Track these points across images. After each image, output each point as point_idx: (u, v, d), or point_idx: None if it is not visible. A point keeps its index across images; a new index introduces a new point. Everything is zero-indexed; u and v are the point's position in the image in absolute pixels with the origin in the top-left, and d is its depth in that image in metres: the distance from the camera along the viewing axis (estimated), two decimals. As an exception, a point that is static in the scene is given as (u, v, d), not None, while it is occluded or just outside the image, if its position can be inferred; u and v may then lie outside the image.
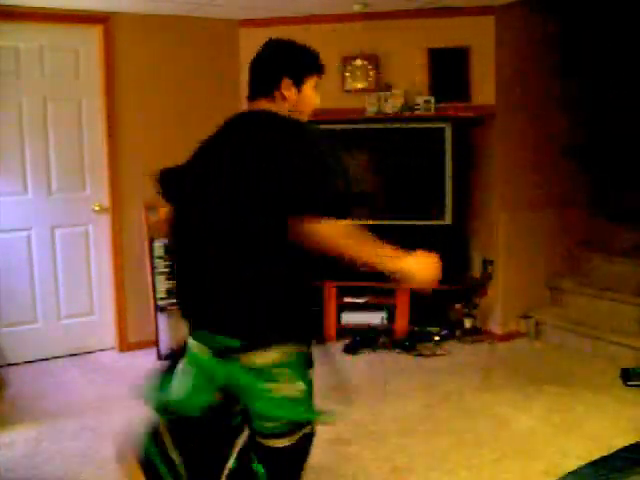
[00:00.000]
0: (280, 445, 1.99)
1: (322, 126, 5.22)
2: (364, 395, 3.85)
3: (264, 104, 2.08)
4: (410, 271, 2.06)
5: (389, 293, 4.80)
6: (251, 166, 1.90)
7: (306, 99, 2.12)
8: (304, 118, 2.12)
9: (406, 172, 4.84)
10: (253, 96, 2.11)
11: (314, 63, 2.15)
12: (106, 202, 4.65)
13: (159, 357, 4.53)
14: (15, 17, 4.24)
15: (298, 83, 2.10)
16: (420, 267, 2.14)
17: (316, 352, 2.11)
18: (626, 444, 3.00)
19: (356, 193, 2.00)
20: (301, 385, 1.98)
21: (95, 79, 4.56)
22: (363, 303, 4.87)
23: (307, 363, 2.05)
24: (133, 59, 4.60)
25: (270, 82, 2.09)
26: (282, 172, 1.85)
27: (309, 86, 2.12)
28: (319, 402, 2.07)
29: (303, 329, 2.02)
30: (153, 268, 4.62)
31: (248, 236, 1.88)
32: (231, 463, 2.19)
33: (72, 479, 2.95)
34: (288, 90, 2.08)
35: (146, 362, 4.46)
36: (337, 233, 1.89)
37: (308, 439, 2.05)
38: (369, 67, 4.83)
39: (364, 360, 4.50)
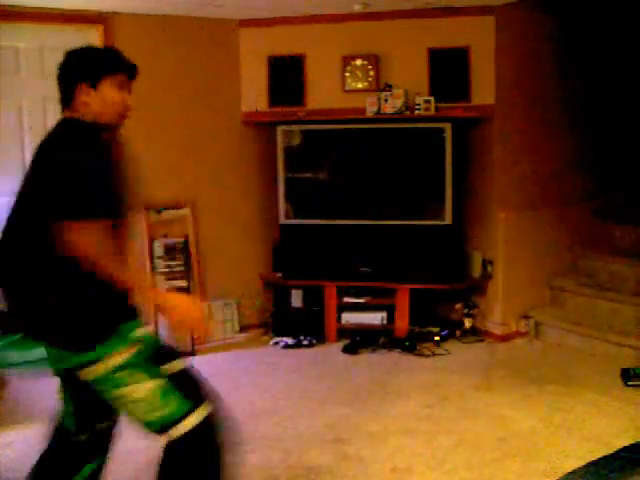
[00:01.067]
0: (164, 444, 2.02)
1: (322, 126, 5.21)
2: (364, 395, 3.85)
3: (67, 114, 2.27)
4: (172, 306, 2.01)
5: (389, 293, 4.80)
6: (31, 170, 2.21)
7: (106, 100, 2.17)
8: (110, 119, 2.19)
9: (406, 172, 4.85)
10: (62, 109, 2.29)
11: (109, 62, 2.21)
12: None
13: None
14: (15, 17, 4.24)
15: (94, 85, 2.17)
16: (183, 305, 2.03)
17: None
18: (626, 444, 3.00)
19: (99, 194, 1.97)
20: (149, 384, 1.99)
21: (95, 79, 4.56)
22: (363, 303, 4.87)
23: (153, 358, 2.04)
24: (133, 59, 4.58)
25: (68, 92, 2.26)
26: (43, 175, 2.11)
27: (108, 86, 2.17)
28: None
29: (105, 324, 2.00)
30: (153, 268, 4.62)
31: (28, 238, 2.04)
32: None
33: (72, 479, 2.95)
34: (87, 95, 2.19)
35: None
36: (89, 244, 1.90)
37: (198, 432, 2.04)
38: (369, 67, 4.83)
39: (364, 360, 4.50)
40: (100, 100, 2.15)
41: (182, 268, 4.69)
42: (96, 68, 2.16)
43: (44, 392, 3.98)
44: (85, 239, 1.88)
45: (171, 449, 2.02)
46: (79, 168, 1.98)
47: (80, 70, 2.19)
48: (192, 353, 4.63)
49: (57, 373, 2.32)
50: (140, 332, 2.06)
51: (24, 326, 2.11)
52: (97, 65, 2.17)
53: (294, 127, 4.90)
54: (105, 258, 1.92)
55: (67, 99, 2.23)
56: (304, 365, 4.41)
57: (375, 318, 4.83)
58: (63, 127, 2.23)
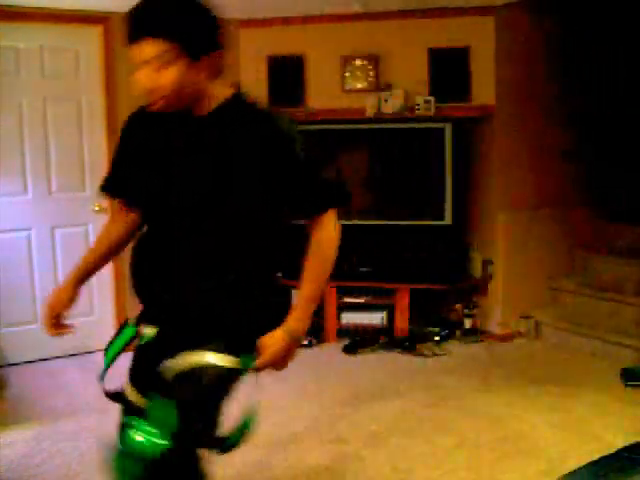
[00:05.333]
0: None
1: (322, 126, 5.21)
2: (364, 395, 3.85)
3: None
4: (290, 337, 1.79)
5: (389, 293, 4.80)
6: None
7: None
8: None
9: (406, 172, 4.85)
10: None
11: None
12: (106, 202, 4.65)
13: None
14: (15, 17, 4.24)
15: None
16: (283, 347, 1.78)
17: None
18: (626, 444, 3.00)
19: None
20: None
21: (95, 79, 4.56)
22: (363, 303, 4.87)
23: None
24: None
25: None
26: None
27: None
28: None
29: None
30: (153, 268, 4.62)
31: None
32: None
33: (72, 479, 2.95)
34: None
35: (146, 362, 4.47)
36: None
37: None
38: (369, 67, 4.83)
39: (364, 360, 4.50)
40: None
41: (182, 268, 4.68)
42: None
43: (44, 392, 3.99)
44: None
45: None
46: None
47: None
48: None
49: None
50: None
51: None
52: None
53: (294, 127, 4.89)
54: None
55: None
56: (304, 365, 4.41)
57: (375, 318, 4.83)
58: None
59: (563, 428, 3.36)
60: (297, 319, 1.77)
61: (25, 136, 4.42)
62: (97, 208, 4.63)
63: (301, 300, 1.80)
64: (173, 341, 1.80)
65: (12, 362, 4.42)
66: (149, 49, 1.64)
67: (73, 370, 4.36)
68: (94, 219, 4.66)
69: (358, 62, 4.85)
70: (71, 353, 4.61)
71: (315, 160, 1.80)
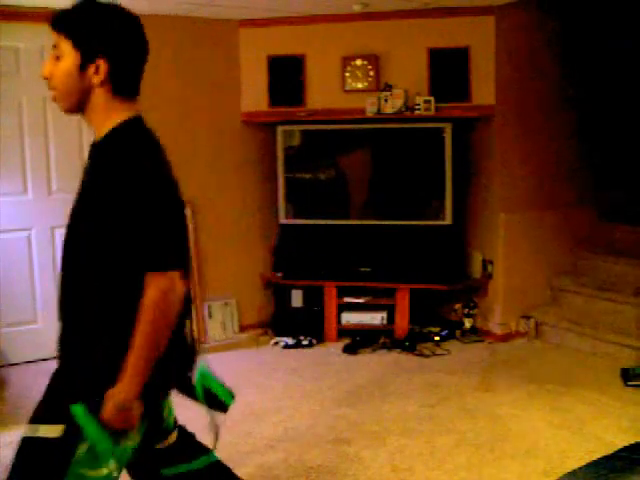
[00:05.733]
0: None
1: (322, 126, 5.23)
2: (364, 395, 3.85)
3: None
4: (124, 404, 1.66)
5: (389, 293, 4.80)
6: None
7: None
8: None
9: (406, 172, 4.85)
10: None
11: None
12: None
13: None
14: (15, 17, 4.24)
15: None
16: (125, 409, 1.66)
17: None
18: (626, 444, 3.00)
19: None
20: None
21: (95, 79, 4.56)
22: (363, 303, 4.87)
23: None
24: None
25: None
26: None
27: None
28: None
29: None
30: (153, 268, 4.62)
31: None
32: None
33: (72, 479, 2.95)
34: None
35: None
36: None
37: None
38: (369, 67, 4.83)
39: (364, 360, 4.50)
40: None
41: (182, 268, 4.68)
42: None
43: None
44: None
45: None
46: None
47: None
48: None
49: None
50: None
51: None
52: None
53: (294, 127, 4.90)
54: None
55: None
56: (304, 365, 4.41)
57: (375, 318, 4.83)
58: None
59: (563, 428, 3.36)
60: (121, 390, 1.64)
61: (25, 136, 4.42)
62: (97, 208, 4.63)
63: (126, 366, 1.64)
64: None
65: (12, 362, 4.42)
66: (54, 39, 1.67)
67: (73, 370, 4.36)
68: (94, 219, 4.66)
69: (358, 62, 4.85)
70: (71, 353, 4.61)
71: (156, 215, 1.64)
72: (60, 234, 4.55)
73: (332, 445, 3.21)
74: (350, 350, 4.64)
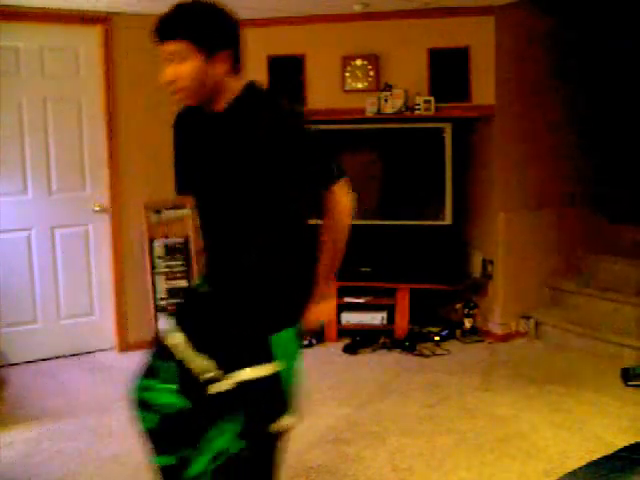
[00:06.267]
0: None
1: (322, 126, 5.25)
2: (364, 395, 3.85)
3: None
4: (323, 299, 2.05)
5: (389, 293, 4.80)
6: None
7: None
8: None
9: (406, 172, 4.85)
10: None
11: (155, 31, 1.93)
12: (106, 202, 4.65)
13: (159, 357, 4.53)
14: (15, 17, 4.24)
15: None
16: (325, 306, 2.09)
17: None
18: (626, 444, 3.00)
19: None
20: None
21: (95, 79, 4.56)
22: (363, 303, 4.87)
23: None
24: (133, 59, 4.60)
25: None
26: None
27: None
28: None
29: None
30: (153, 268, 4.63)
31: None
32: None
33: (72, 479, 2.95)
34: None
35: (146, 362, 4.47)
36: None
37: None
38: (369, 67, 4.82)
39: (364, 360, 4.50)
40: None
41: (182, 268, 4.69)
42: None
43: (44, 392, 3.99)
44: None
45: None
46: None
47: None
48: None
49: None
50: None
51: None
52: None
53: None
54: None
55: None
56: (304, 365, 4.41)
57: (375, 318, 4.83)
58: None
59: (563, 428, 3.36)
60: (323, 292, 2.03)
61: (25, 136, 4.42)
62: (97, 208, 4.63)
63: (322, 273, 2.00)
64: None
65: (12, 362, 4.42)
66: (169, 48, 1.87)
67: (73, 370, 4.36)
68: (94, 219, 4.66)
69: (358, 62, 4.84)
70: (71, 353, 4.61)
71: (321, 138, 1.99)
72: (60, 234, 4.56)
73: (332, 445, 3.21)
74: (350, 350, 4.64)
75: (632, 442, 2.68)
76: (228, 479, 1.89)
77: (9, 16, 4.21)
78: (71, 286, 4.62)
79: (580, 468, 2.22)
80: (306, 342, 4.78)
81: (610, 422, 3.40)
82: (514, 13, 4.64)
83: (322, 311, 2.06)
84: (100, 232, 4.67)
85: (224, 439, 1.87)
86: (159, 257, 4.64)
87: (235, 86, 1.98)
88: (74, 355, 4.61)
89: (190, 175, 2.09)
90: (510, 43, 4.70)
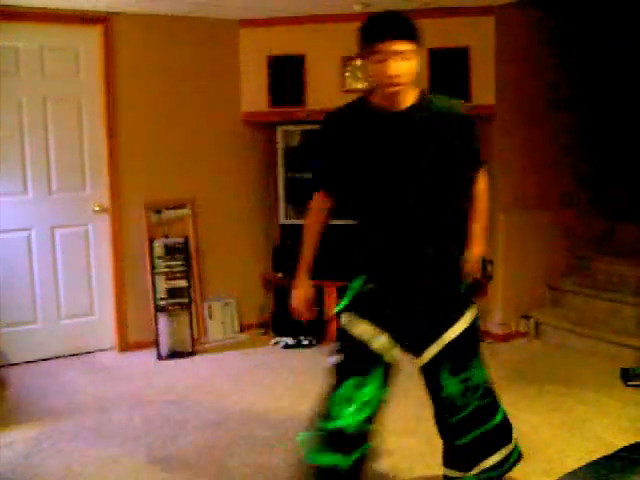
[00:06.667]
0: None
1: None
2: (364, 395, 3.85)
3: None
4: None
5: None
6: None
7: (372, 72, 2.29)
8: (380, 90, 2.31)
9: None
10: None
11: (365, 35, 2.30)
12: (106, 202, 4.65)
13: (159, 357, 4.53)
14: (15, 17, 4.24)
15: (363, 59, 2.33)
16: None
17: None
18: (626, 444, 3.00)
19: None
20: None
21: (95, 79, 4.56)
22: (363, 303, 4.85)
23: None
24: (133, 59, 4.60)
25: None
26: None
27: (371, 59, 2.27)
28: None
29: None
30: (153, 268, 4.63)
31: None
32: None
33: (72, 479, 2.95)
34: (364, 68, 2.37)
35: (146, 362, 4.46)
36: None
37: None
38: (369, 67, 4.82)
39: (364, 360, 4.49)
40: (370, 72, 2.31)
41: (182, 268, 4.69)
42: (360, 44, 2.33)
43: (44, 392, 3.99)
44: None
45: None
46: None
47: (358, 47, 2.37)
48: (192, 353, 4.63)
49: None
50: None
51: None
52: (360, 41, 2.34)
53: (294, 127, 4.90)
54: None
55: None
56: (304, 365, 4.41)
57: (375, 318, 4.81)
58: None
59: (563, 428, 3.36)
60: (477, 251, 2.56)
61: (25, 136, 4.42)
62: (97, 208, 4.63)
63: (478, 233, 2.55)
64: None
65: (12, 362, 4.42)
66: (402, 47, 2.21)
67: (73, 370, 4.36)
68: (94, 219, 4.66)
69: (358, 62, 4.84)
70: (71, 353, 4.61)
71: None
72: (60, 234, 4.56)
73: (332, 445, 3.21)
74: (350, 350, 4.63)
75: (632, 442, 2.68)
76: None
77: (9, 16, 4.21)
78: (71, 286, 4.62)
79: (580, 468, 2.22)
80: (306, 342, 4.79)
81: (610, 422, 3.40)
82: (514, 13, 4.64)
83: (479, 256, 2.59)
84: (100, 232, 4.68)
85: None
86: (159, 257, 4.63)
87: (414, 88, 2.40)
88: (74, 355, 4.61)
89: (352, 167, 2.40)
90: (510, 43, 4.70)
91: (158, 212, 4.77)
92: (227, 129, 4.98)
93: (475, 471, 2.51)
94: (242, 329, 5.11)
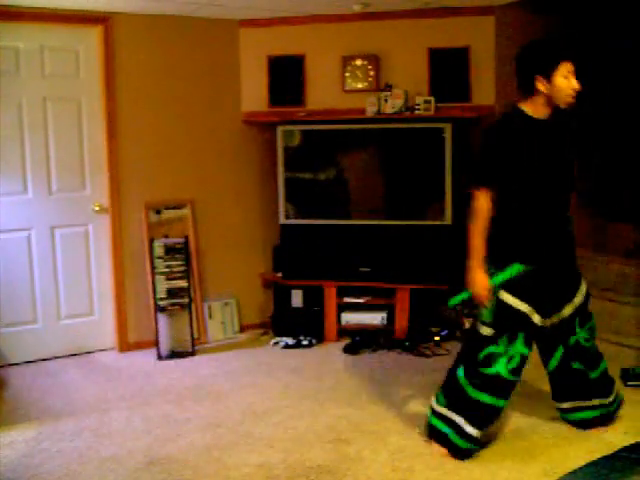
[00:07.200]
0: None
1: (322, 126, 5.25)
2: (364, 395, 3.85)
3: (522, 102, 2.95)
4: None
5: (389, 293, 4.80)
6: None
7: (557, 88, 2.77)
8: (561, 105, 2.85)
9: (406, 172, 4.85)
10: (519, 96, 2.98)
11: (556, 54, 2.75)
12: (106, 202, 4.65)
13: (159, 357, 4.53)
14: (15, 17, 4.24)
15: (547, 76, 2.75)
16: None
17: None
18: (626, 444, 3.00)
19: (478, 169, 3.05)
20: None
21: (95, 79, 4.56)
22: (363, 303, 4.87)
23: None
24: (133, 59, 4.60)
25: (526, 84, 2.91)
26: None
27: (559, 75, 2.76)
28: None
29: None
30: (153, 268, 4.63)
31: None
32: None
33: (72, 479, 2.95)
34: (542, 85, 2.80)
35: (146, 362, 4.47)
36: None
37: None
38: (369, 67, 4.83)
39: (364, 360, 4.50)
40: (553, 88, 2.79)
41: (182, 268, 4.69)
42: (548, 61, 2.76)
43: (44, 392, 3.99)
44: None
45: None
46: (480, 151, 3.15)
47: (534, 64, 2.86)
48: (192, 353, 4.63)
49: None
50: None
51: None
52: (548, 59, 2.76)
53: (294, 127, 4.90)
54: None
55: (524, 89, 2.95)
56: (304, 365, 4.42)
57: (375, 318, 4.83)
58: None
59: (563, 428, 3.35)
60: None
61: (25, 136, 4.42)
62: (97, 208, 4.63)
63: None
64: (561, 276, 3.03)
65: (12, 362, 4.42)
66: (574, 67, 2.92)
67: (73, 370, 4.37)
68: (94, 219, 4.66)
69: (358, 62, 4.85)
70: (71, 353, 4.61)
71: None
72: (60, 234, 4.57)
73: (332, 445, 3.21)
74: (350, 350, 4.64)
75: (632, 442, 2.68)
76: None
77: (9, 16, 4.21)
78: (71, 286, 4.62)
79: (580, 468, 2.23)
80: (306, 342, 4.79)
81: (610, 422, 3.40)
82: (514, 13, 4.64)
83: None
84: (100, 232, 4.68)
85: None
86: (159, 257, 4.63)
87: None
88: (74, 355, 4.61)
89: (523, 168, 2.84)
90: (510, 43, 4.69)
91: (158, 212, 4.77)
92: (227, 129, 4.99)
93: (614, 395, 3.23)
94: (242, 329, 5.12)
